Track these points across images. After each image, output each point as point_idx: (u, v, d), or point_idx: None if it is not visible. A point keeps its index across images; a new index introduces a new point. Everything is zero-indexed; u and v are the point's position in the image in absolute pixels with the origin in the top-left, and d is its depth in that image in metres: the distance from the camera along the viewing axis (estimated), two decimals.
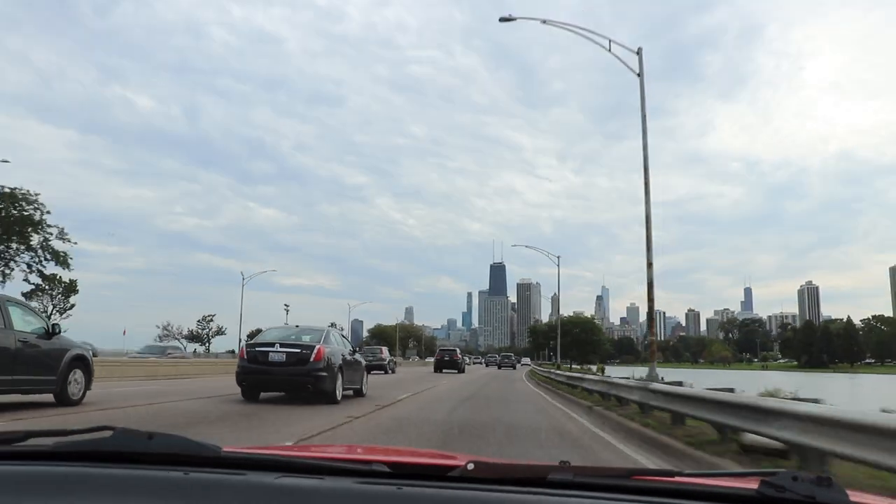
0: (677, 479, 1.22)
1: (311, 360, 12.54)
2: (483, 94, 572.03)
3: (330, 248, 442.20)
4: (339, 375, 13.22)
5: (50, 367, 10.53)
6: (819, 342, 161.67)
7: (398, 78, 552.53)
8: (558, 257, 53.18)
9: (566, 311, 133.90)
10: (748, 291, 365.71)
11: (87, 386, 11.39)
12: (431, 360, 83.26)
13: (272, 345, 12.88)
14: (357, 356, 15.58)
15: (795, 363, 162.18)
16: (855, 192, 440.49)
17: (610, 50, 19.06)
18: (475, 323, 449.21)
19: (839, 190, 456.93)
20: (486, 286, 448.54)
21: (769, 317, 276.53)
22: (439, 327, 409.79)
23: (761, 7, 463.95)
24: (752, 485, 1.11)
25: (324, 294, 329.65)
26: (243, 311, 72.10)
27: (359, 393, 15.04)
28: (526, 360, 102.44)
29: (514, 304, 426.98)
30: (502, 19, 20.82)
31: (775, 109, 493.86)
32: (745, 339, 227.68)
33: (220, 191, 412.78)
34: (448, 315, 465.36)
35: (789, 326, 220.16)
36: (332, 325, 36.55)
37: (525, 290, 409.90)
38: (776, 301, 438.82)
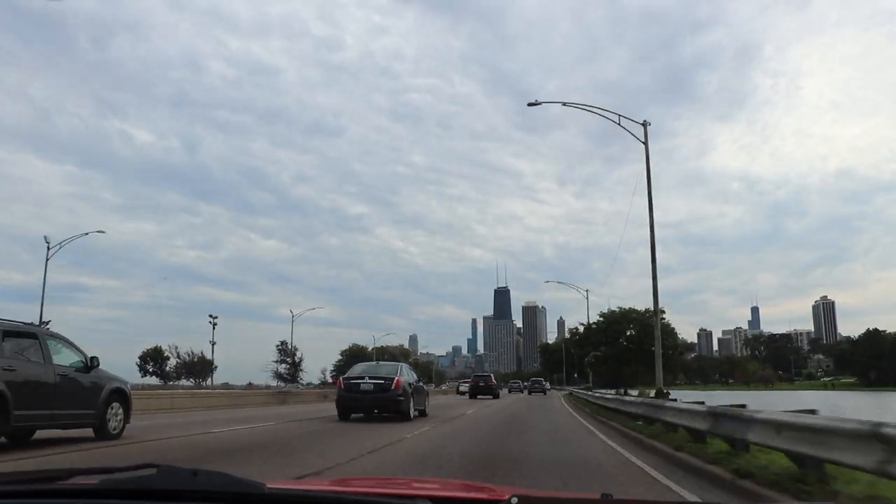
0: None
1: (392, 388, 16.46)
2: (482, 120, 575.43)
3: (332, 279, 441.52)
4: (411, 399, 17.01)
5: (89, 401, 10.58)
6: (890, 356, 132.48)
7: (397, 106, 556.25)
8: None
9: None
10: (755, 310, 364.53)
11: (126, 419, 11.44)
12: (445, 386, 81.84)
13: (362, 378, 16.94)
14: (421, 384, 19.74)
15: (852, 381, 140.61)
16: (855, 209, 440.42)
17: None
18: (480, 349, 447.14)
19: (839, 208, 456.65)
20: (490, 311, 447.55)
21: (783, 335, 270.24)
22: (444, 354, 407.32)
23: (757, 27, 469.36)
24: None
25: (327, 325, 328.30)
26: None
27: (423, 413, 18.51)
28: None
29: (519, 328, 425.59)
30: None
31: (774, 129, 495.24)
32: (774, 357, 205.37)
33: (221, 223, 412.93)
34: (453, 342, 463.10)
35: (846, 339, 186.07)
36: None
37: (531, 313, 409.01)
38: (783, 320, 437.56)
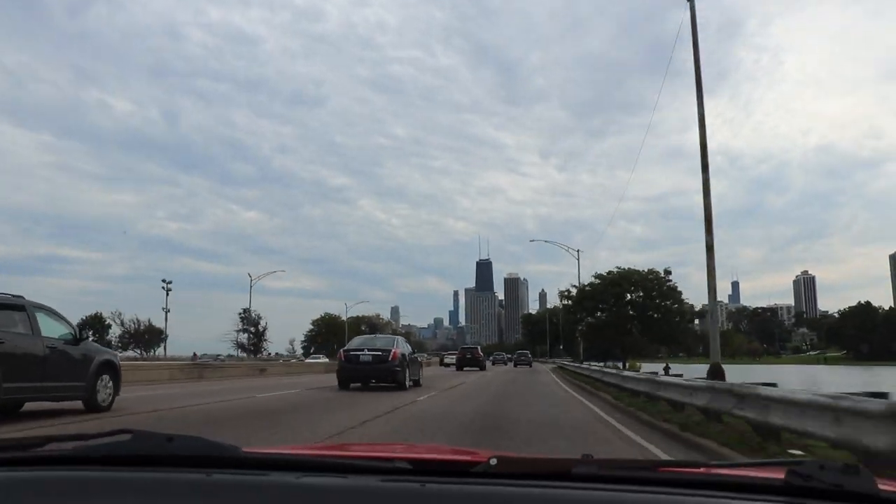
0: (703, 469, 1.22)
1: (389, 359, 17.59)
2: (464, 93, 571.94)
3: (314, 250, 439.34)
4: (407, 370, 18.14)
5: (79, 373, 10.51)
6: (883, 330, 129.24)
7: (379, 78, 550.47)
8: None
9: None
10: (735, 285, 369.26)
11: (116, 391, 11.38)
12: (422, 358, 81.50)
13: (361, 350, 18.08)
14: (416, 355, 21.10)
15: (839, 354, 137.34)
16: (835, 185, 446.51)
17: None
18: (462, 321, 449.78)
19: (820, 183, 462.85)
20: (472, 284, 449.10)
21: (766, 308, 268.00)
22: (426, 326, 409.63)
23: (741, 2, 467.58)
24: (779, 474, 1.10)
25: (309, 296, 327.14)
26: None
27: (417, 383, 19.49)
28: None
29: (501, 301, 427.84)
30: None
31: (756, 104, 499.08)
32: (758, 330, 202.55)
33: (202, 194, 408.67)
34: (435, 314, 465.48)
35: (826, 313, 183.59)
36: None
37: (513, 285, 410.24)
38: (762, 294, 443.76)
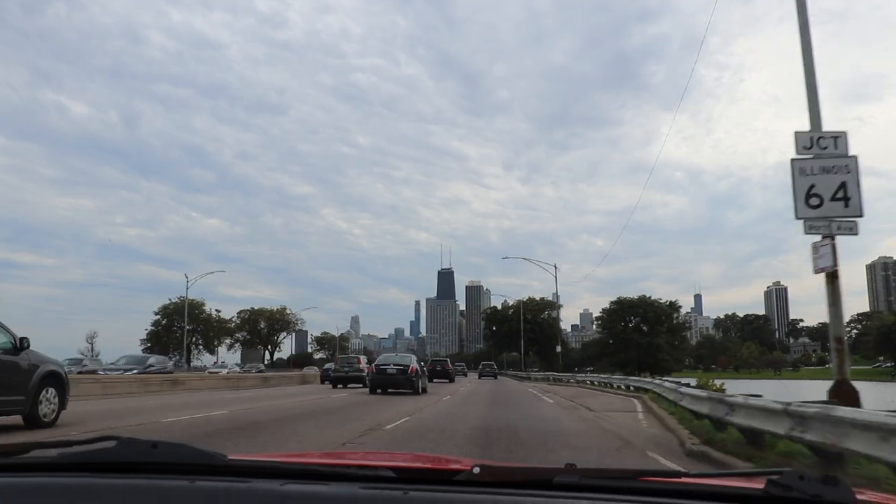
0: (684, 479, 1.25)
1: (408, 372, 23.95)
2: (427, 103, 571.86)
3: (275, 258, 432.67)
4: (419, 380, 24.59)
5: (18, 385, 9.59)
6: None
7: (342, 86, 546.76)
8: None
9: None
10: (698, 298, 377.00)
11: (62, 405, 10.44)
12: None
13: (388, 365, 24.65)
14: (423, 369, 28.37)
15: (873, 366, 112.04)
16: (792, 201, 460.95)
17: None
18: (423, 332, 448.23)
19: (777, 200, 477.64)
20: (433, 294, 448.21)
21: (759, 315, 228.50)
22: (386, 336, 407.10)
23: (704, 20, 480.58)
24: (759, 485, 1.12)
25: (268, 304, 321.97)
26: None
27: (424, 390, 25.27)
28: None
29: (462, 311, 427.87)
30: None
31: (717, 121, 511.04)
32: (755, 339, 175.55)
33: (162, 200, 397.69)
34: (396, 324, 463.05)
35: (862, 321, 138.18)
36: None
37: (475, 293, 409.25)
38: (723, 308, 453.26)
